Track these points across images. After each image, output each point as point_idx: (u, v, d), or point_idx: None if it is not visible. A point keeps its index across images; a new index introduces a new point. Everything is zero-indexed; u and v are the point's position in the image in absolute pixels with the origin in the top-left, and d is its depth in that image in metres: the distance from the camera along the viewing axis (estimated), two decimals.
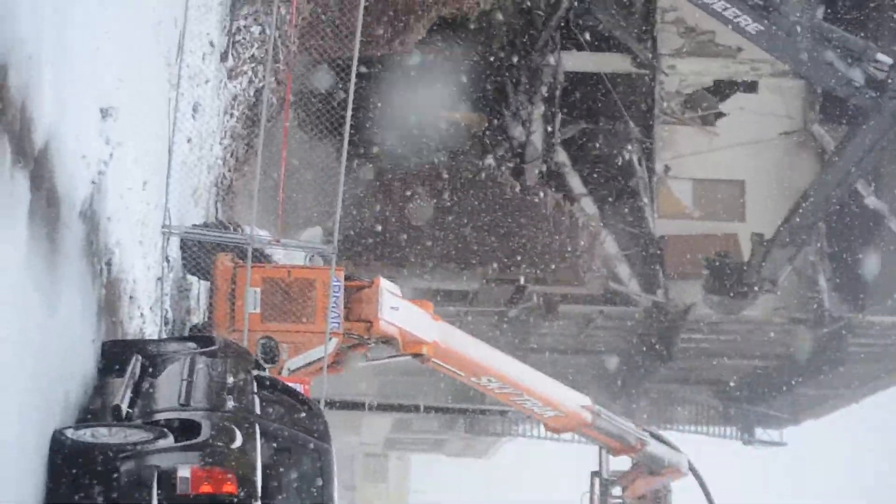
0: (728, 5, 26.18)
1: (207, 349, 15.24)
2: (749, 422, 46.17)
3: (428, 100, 33.35)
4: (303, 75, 26.24)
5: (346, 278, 20.90)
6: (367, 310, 20.60)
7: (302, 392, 16.59)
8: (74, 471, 11.34)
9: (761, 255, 31.86)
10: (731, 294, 32.73)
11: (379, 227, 31.75)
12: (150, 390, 13.92)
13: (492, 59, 33.79)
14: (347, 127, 21.60)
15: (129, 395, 13.50)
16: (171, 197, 20.26)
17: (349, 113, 21.89)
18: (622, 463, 25.26)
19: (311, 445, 13.09)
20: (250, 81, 24.65)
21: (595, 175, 36.04)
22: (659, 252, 35.95)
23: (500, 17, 32.91)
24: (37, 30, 13.99)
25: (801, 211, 30.52)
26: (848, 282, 35.75)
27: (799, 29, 26.52)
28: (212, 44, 22.75)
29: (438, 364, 21.64)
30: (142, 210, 18.69)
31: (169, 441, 11.81)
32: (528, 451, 64.03)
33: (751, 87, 36.55)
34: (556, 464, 59.69)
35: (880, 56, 27.32)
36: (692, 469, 24.87)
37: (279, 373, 19.95)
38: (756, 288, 32.19)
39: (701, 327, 36.96)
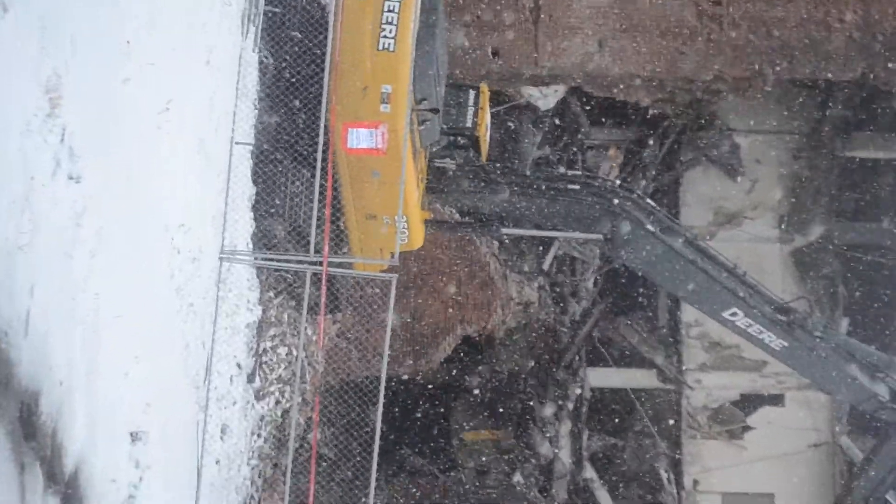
0: (752, 322, 26.40)
1: None
2: None
3: (455, 418, 33.53)
4: (330, 395, 26.44)
5: None
6: None
7: None
8: None
9: None
10: None
11: None
12: None
13: (518, 375, 34.00)
14: (376, 447, 21.72)
15: None
16: None
17: (378, 430, 22.06)
18: None
19: None
20: (277, 402, 24.81)
21: (623, 490, 35.79)
22: None
23: (525, 334, 33.26)
24: (68, 356, 14.29)
25: None
26: None
27: (822, 345, 26.67)
28: (239, 366, 23.04)
29: None
30: None
31: None
32: None
33: (777, 400, 36.52)
34: None
35: None
36: None
37: None
38: None
39: None
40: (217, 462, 21.87)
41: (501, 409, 34.15)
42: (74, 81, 14.41)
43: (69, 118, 14.37)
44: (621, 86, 30.23)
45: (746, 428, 36.63)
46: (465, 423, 33.82)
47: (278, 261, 23.03)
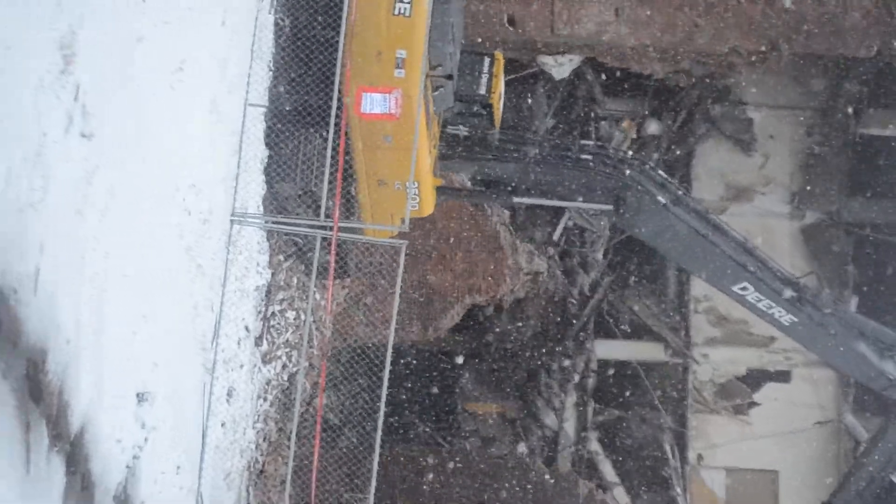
0: (761, 297, 26.31)
1: None
2: None
3: (461, 387, 33.50)
4: (336, 360, 26.41)
5: None
6: None
7: None
8: None
9: None
10: None
11: None
12: None
13: (525, 346, 33.95)
14: (381, 414, 21.69)
15: None
16: (204, 481, 20.27)
17: (384, 397, 22.05)
18: None
19: None
20: (284, 366, 24.79)
21: (628, 464, 35.78)
22: None
23: (534, 305, 33.19)
24: (76, 315, 14.23)
25: None
26: None
27: (832, 322, 26.57)
28: (247, 329, 23.01)
29: None
30: (174, 494, 18.68)
31: None
32: None
33: (784, 376, 36.48)
34: None
35: None
36: None
37: None
38: None
39: None
40: (223, 424, 21.88)
41: (508, 380, 34.12)
42: (89, 38, 14.33)
43: (83, 75, 14.29)
44: (636, 56, 30.09)
45: (752, 404, 36.61)
46: (471, 393, 33.79)
47: (289, 224, 22.98)
